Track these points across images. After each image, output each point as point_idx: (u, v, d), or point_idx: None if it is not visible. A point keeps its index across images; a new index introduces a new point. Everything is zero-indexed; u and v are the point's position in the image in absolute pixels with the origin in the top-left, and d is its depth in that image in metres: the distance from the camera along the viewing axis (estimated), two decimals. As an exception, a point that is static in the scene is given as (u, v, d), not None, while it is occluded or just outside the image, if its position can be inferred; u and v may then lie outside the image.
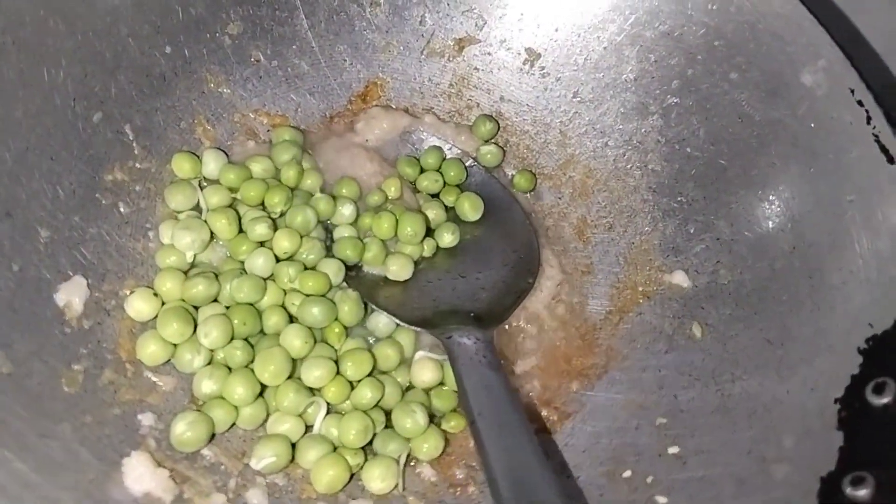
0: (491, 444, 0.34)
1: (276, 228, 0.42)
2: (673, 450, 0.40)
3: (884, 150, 0.40)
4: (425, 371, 0.41)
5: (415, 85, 0.51)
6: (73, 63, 0.40)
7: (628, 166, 0.50)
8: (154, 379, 0.37)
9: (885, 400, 0.36)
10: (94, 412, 0.34)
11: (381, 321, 0.43)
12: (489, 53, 0.52)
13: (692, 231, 0.47)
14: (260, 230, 0.41)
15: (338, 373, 0.39)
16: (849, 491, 0.34)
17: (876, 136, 0.41)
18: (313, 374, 0.38)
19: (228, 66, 0.47)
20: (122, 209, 0.41)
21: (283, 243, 0.41)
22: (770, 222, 0.44)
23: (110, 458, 0.33)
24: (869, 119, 0.41)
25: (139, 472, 0.33)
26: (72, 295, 0.37)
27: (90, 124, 0.40)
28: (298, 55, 0.49)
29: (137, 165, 0.42)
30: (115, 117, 0.42)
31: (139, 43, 0.43)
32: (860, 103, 0.41)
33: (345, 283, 0.43)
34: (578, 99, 0.51)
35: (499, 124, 0.51)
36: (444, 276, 0.46)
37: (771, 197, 0.45)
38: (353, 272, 0.44)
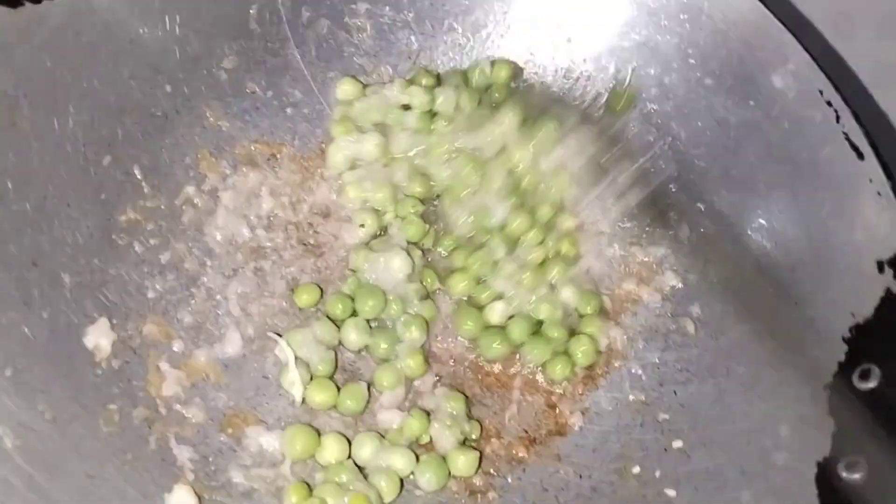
0: None
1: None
2: (677, 444, 0.42)
3: (853, 147, 0.43)
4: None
5: (405, 105, 0.53)
6: (80, 110, 0.41)
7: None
8: (184, 412, 0.39)
9: (871, 385, 0.38)
10: (133, 449, 0.36)
11: None
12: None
13: (679, 232, 0.49)
14: None
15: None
16: (844, 475, 0.36)
17: (845, 133, 0.43)
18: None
19: (226, 100, 0.48)
20: (136, 249, 0.42)
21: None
22: (752, 220, 0.47)
23: (153, 493, 0.35)
24: (838, 118, 0.44)
25: (183, 505, 0.34)
26: (99, 337, 0.38)
27: (101, 168, 0.42)
28: (292, 84, 0.50)
29: (148, 204, 0.44)
30: (124, 159, 0.43)
31: (140, 84, 0.44)
32: (829, 103, 0.44)
33: None
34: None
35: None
36: None
37: (751, 195, 0.47)
38: None
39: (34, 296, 0.36)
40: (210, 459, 0.38)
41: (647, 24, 0.50)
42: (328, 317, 0.44)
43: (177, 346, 0.41)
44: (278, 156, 0.49)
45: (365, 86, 0.51)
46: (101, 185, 0.42)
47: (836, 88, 0.44)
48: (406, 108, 0.49)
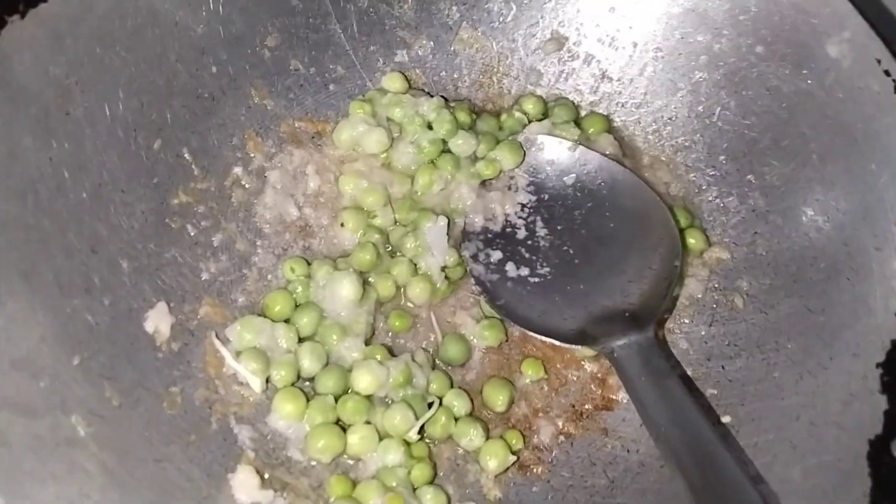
0: (683, 460, 0.35)
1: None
2: (726, 419, 0.42)
3: (911, 118, 0.42)
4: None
5: (447, 77, 0.53)
6: (129, 95, 0.41)
7: (661, 143, 0.51)
8: (242, 392, 0.40)
9: (925, 363, 0.38)
10: (196, 431, 0.37)
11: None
12: (516, 40, 0.53)
13: (728, 204, 0.49)
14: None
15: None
16: (897, 453, 0.36)
17: (903, 104, 0.42)
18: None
19: (270, 78, 0.48)
20: (189, 231, 0.43)
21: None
22: (804, 193, 0.46)
23: (217, 474, 0.36)
24: (896, 88, 0.43)
25: (246, 485, 0.36)
26: (158, 321, 0.39)
27: (152, 152, 0.42)
28: (334, 60, 0.50)
29: (199, 186, 0.44)
30: (173, 142, 0.43)
31: (187, 66, 0.44)
32: (887, 73, 0.43)
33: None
34: (607, 78, 0.52)
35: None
36: (588, 277, 0.45)
37: (803, 167, 0.46)
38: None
39: (95, 283, 0.37)
40: (269, 437, 0.39)
41: (696, -11, 0.49)
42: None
43: (232, 328, 0.42)
44: (323, 133, 0.49)
45: (410, 86, 0.50)
46: (152, 170, 0.42)
47: (895, 57, 0.43)
48: (429, 126, 0.48)
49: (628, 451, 0.43)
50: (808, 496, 0.38)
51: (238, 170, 0.46)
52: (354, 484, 0.39)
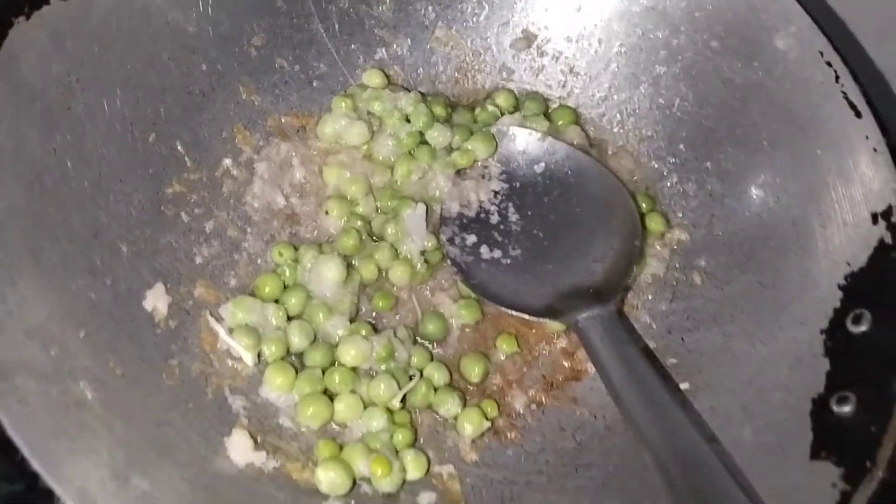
0: (641, 420, 0.38)
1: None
2: (684, 385, 0.46)
3: (851, 105, 0.46)
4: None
5: (424, 73, 0.56)
6: (126, 92, 0.44)
7: (625, 133, 0.55)
8: (235, 365, 0.43)
9: (863, 328, 0.42)
10: (193, 399, 0.40)
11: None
12: (489, 38, 0.56)
13: (687, 189, 0.52)
14: None
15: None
16: (835, 409, 0.40)
17: (844, 93, 0.46)
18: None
19: (257, 76, 0.51)
20: (183, 218, 0.46)
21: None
22: (756, 176, 0.50)
23: (213, 437, 0.39)
24: (837, 78, 0.46)
25: (240, 447, 0.39)
26: (156, 300, 0.42)
27: (147, 145, 0.45)
28: (317, 58, 0.53)
29: (191, 177, 0.47)
30: (167, 135, 0.46)
31: (178, 65, 0.47)
32: (829, 64, 0.47)
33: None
34: (574, 74, 0.56)
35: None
36: (555, 258, 0.48)
37: (755, 153, 0.50)
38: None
39: (97, 264, 0.40)
40: (261, 407, 0.42)
41: (655, -12, 0.52)
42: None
43: (225, 307, 0.45)
44: (307, 127, 0.52)
45: (389, 82, 0.54)
46: (148, 161, 0.45)
47: (836, 50, 0.47)
48: (407, 120, 0.52)
49: (595, 417, 0.46)
50: (756, 453, 0.41)
51: (228, 161, 0.49)
52: (341, 447, 0.42)
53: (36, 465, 0.30)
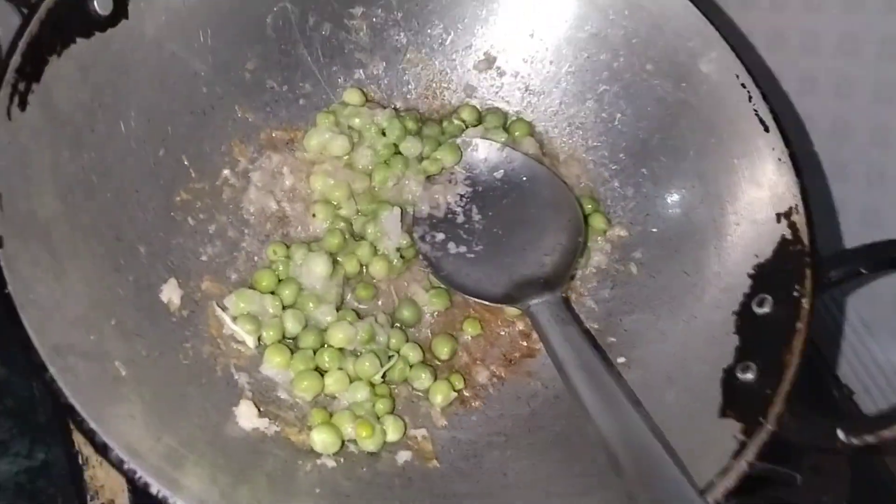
0: (580, 385, 0.45)
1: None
2: (621, 360, 0.53)
3: (761, 121, 0.54)
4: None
5: (397, 91, 0.63)
6: (140, 113, 0.51)
7: (573, 143, 0.62)
8: (239, 348, 0.50)
9: (765, 310, 0.50)
10: (206, 376, 0.47)
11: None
12: (455, 60, 0.63)
13: (626, 192, 0.60)
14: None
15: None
16: (740, 376, 0.48)
17: (755, 110, 0.54)
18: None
19: (250, 96, 0.58)
20: (190, 222, 0.53)
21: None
22: (683, 181, 0.58)
23: (225, 408, 0.46)
24: (750, 98, 0.54)
25: (247, 415, 0.46)
26: (171, 293, 0.49)
27: (158, 159, 0.52)
28: (303, 79, 0.60)
29: (196, 186, 0.54)
30: (174, 150, 0.53)
31: (183, 89, 0.54)
32: (743, 85, 0.55)
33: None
34: (529, 91, 0.63)
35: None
36: (512, 252, 0.55)
37: (683, 161, 0.58)
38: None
39: (121, 263, 0.47)
40: (262, 382, 0.50)
41: (598, 18, 0.60)
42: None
43: (229, 298, 0.52)
44: (295, 140, 0.59)
45: (367, 99, 0.61)
46: (159, 173, 0.52)
47: (749, 73, 0.55)
48: (383, 133, 0.59)
49: (546, 387, 0.54)
50: (677, 413, 0.48)
51: (227, 172, 0.56)
52: (331, 415, 0.49)
53: (93, 425, 0.37)
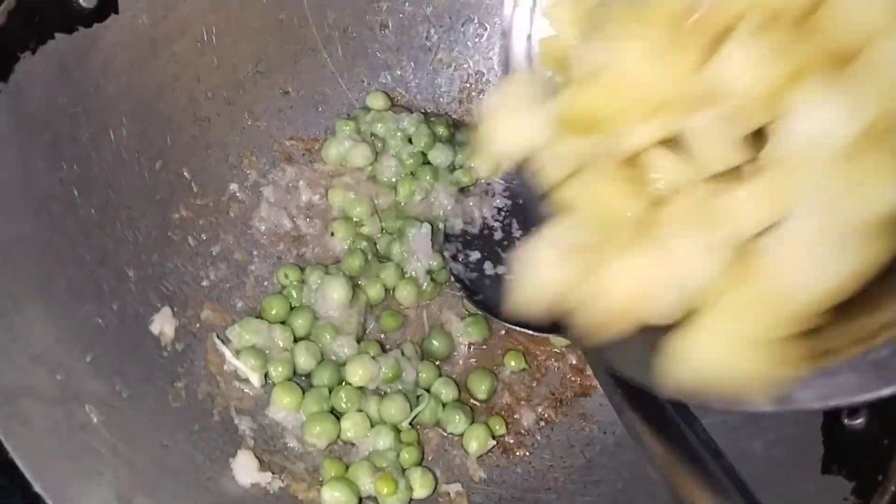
0: (644, 432, 0.38)
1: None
2: (694, 399, 0.45)
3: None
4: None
5: (428, 95, 0.56)
6: (132, 121, 0.45)
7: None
8: (242, 387, 0.43)
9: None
10: (199, 421, 0.40)
11: None
12: (491, 58, 0.57)
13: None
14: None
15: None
16: (847, 422, 0.39)
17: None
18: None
19: (262, 101, 0.52)
20: (190, 242, 0.47)
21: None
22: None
23: (219, 458, 0.40)
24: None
25: (246, 468, 0.39)
26: (163, 324, 0.43)
27: (154, 172, 0.46)
28: (321, 82, 0.54)
29: (198, 202, 0.48)
30: (174, 162, 0.47)
31: (185, 93, 0.48)
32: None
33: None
34: (577, 90, 0.56)
35: None
36: None
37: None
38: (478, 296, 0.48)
39: (104, 290, 0.41)
40: (267, 427, 0.43)
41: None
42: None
43: (232, 329, 0.45)
44: (312, 150, 0.53)
45: (393, 104, 0.54)
46: (154, 188, 0.46)
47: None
48: (410, 140, 0.52)
49: (605, 433, 0.46)
50: (767, 467, 0.40)
51: (234, 186, 0.50)
52: (347, 466, 0.42)
53: (38, 487, 0.30)
